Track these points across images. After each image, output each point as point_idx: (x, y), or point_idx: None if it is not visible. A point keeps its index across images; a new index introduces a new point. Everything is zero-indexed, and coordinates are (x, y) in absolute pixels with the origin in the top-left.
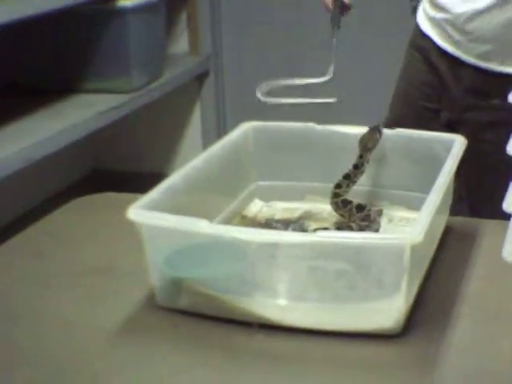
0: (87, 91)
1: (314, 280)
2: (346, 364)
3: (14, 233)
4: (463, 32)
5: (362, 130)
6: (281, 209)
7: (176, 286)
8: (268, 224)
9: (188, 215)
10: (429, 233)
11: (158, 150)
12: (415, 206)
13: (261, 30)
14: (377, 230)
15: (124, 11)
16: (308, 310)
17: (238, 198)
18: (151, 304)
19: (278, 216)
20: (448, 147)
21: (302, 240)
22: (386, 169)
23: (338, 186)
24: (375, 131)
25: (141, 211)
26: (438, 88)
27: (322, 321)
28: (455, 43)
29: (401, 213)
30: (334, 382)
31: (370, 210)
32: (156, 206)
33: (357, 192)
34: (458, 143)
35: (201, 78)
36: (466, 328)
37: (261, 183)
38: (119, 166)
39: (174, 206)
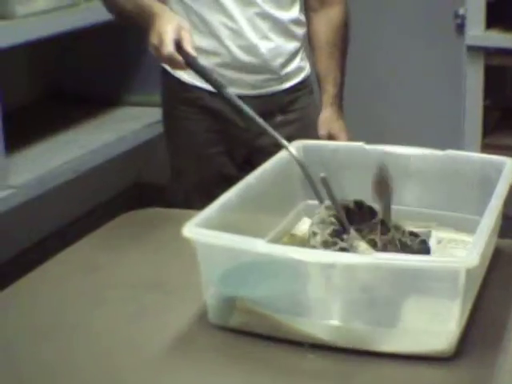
0: (133, 104)
1: (367, 301)
2: None
3: (59, 244)
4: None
5: (410, 150)
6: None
7: (229, 304)
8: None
9: (239, 233)
10: (482, 256)
11: None
12: (464, 227)
13: None
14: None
15: None
16: (360, 331)
17: (287, 217)
18: (203, 321)
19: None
20: (498, 169)
21: (359, 261)
22: (434, 190)
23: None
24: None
25: (196, 229)
26: (221, 130)
27: (375, 342)
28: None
29: (449, 234)
30: None
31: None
32: (210, 224)
33: (405, 212)
34: (509, 165)
35: None
36: None
37: (310, 202)
38: (160, 179)
39: (226, 223)
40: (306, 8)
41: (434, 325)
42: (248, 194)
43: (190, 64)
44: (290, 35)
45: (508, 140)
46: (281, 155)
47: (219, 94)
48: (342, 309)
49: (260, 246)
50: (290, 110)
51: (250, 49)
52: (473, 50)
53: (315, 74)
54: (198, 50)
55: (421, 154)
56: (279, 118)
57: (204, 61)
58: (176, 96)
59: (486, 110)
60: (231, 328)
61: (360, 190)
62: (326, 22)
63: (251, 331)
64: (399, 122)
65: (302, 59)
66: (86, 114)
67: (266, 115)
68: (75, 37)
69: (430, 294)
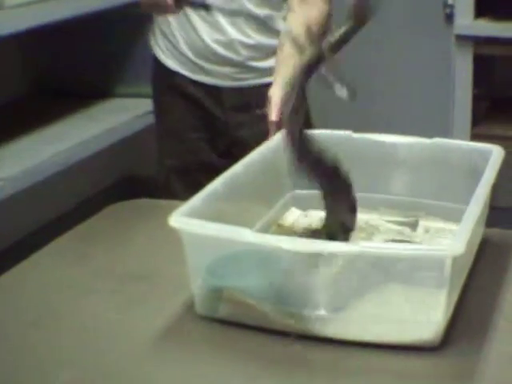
0: (122, 95)
1: (354, 291)
2: (383, 376)
3: (47, 237)
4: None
5: (399, 139)
6: (318, 218)
7: (216, 294)
8: (306, 234)
9: (227, 223)
10: (469, 245)
11: None
12: (451, 217)
13: None
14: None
15: None
16: (347, 321)
17: (274, 207)
18: (190, 312)
19: (314, 225)
20: (486, 157)
21: (347, 250)
22: (422, 178)
23: None
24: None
25: (183, 218)
26: (203, 117)
27: (361, 332)
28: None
29: (437, 224)
30: None
31: None
32: (196, 214)
33: (392, 201)
34: (496, 153)
35: None
36: (503, 341)
37: (298, 192)
38: (150, 172)
39: (213, 213)
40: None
41: (420, 314)
42: (235, 183)
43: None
44: (272, 32)
45: (497, 130)
46: (267, 145)
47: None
48: (329, 298)
49: (247, 236)
50: None
51: (228, 44)
52: (462, 39)
53: None
54: (177, 39)
55: (408, 142)
56: (258, 112)
57: (183, 51)
58: (162, 82)
59: (475, 100)
60: (218, 318)
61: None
62: (302, 21)
63: (238, 322)
64: (387, 112)
65: None
66: (74, 106)
67: (245, 108)
68: (65, 28)
69: (416, 282)
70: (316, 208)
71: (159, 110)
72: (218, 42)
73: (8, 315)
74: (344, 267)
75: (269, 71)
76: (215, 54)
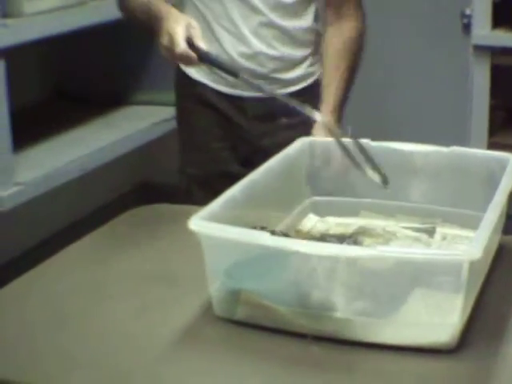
0: (139, 103)
1: (371, 294)
2: (400, 378)
3: (64, 242)
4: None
5: (416, 147)
6: (335, 224)
7: (234, 297)
8: (323, 239)
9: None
10: (486, 250)
11: None
12: (468, 224)
13: None
14: None
15: None
16: (364, 323)
17: (293, 213)
18: (209, 314)
19: (332, 231)
20: (503, 166)
21: (363, 254)
22: (439, 186)
23: None
24: None
25: (202, 222)
26: (226, 126)
27: (378, 334)
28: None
29: (454, 231)
30: None
31: None
32: (215, 218)
33: (410, 209)
34: None
35: None
36: None
37: (315, 198)
38: (165, 179)
39: (231, 218)
40: (323, 22)
41: (437, 317)
42: (253, 189)
43: (203, 58)
44: (298, 43)
45: None
46: (286, 152)
47: (236, 78)
48: (346, 301)
49: (265, 239)
50: (295, 113)
51: (253, 56)
52: (479, 49)
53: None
54: None
55: (426, 150)
56: (283, 121)
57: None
58: (185, 91)
59: (492, 110)
60: (236, 320)
61: (366, 187)
62: (338, 34)
63: (256, 323)
64: (405, 122)
65: (311, 65)
66: (93, 113)
67: (270, 117)
68: (83, 36)
69: (433, 286)
70: (333, 214)
71: (181, 119)
72: (242, 54)
73: (26, 316)
74: (361, 271)
75: (292, 82)
76: (240, 66)
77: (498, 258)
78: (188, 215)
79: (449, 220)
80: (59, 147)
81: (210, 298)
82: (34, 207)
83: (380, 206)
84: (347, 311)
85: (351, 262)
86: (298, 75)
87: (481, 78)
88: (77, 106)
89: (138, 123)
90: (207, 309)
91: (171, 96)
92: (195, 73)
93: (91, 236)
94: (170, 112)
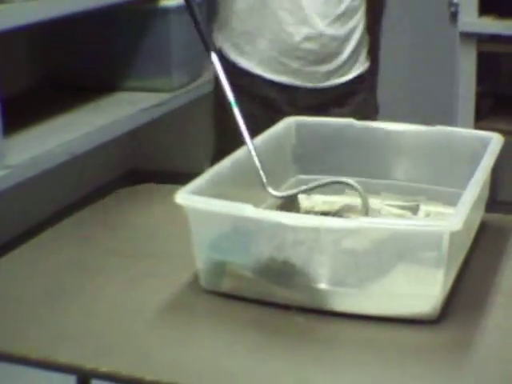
0: (129, 89)
1: (354, 265)
2: (382, 348)
3: (54, 224)
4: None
5: (400, 126)
6: (320, 202)
7: (220, 269)
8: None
9: None
10: (466, 223)
11: (195, 151)
12: (452, 201)
13: None
14: None
15: (166, 11)
16: (347, 294)
17: (278, 191)
18: (195, 286)
19: (317, 208)
20: (486, 144)
21: (345, 225)
22: (423, 164)
23: None
24: None
25: (188, 196)
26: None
27: (361, 305)
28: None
29: (438, 208)
30: (369, 365)
31: None
32: (201, 193)
33: (394, 187)
34: (495, 140)
35: None
36: (500, 315)
37: (301, 177)
38: (155, 165)
39: (217, 193)
40: None
41: (418, 288)
42: (240, 166)
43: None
44: (355, 22)
45: (500, 125)
46: (272, 130)
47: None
48: (329, 272)
49: (248, 211)
50: (346, 103)
51: (314, 36)
52: (466, 36)
53: None
54: (259, 35)
55: (409, 129)
56: (334, 111)
57: (264, 47)
58: (229, 81)
59: (479, 97)
60: (222, 292)
61: (351, 166)
62: None
63: (241, 295)
64: (392, 108)
65: (363, 48)
66: (82, 99)
67: (320, 107)
68: (73, 22)
69: (414, 257)
70: (319, 192)
71: (221, 110)
72: (303, 34)
73: (17, 292)
74: (343, 242)
75: (349, 68)
76: (300, 48)
77: (482, 235)
78: (175, 193)
79: (433, 198)
80: (48, 131)
81: (197, 270)
82: (22, 193)
83: (364, 184)
84: (330, 283)
85: (333, 234)
86: (355, 60)
87: (467, 65)
88: (67, 93)
89: (127, 108)
90: (194, 281)
91: (162, 82)
92: (244, 61)
93: (79, 214)
94: (159, 98)
